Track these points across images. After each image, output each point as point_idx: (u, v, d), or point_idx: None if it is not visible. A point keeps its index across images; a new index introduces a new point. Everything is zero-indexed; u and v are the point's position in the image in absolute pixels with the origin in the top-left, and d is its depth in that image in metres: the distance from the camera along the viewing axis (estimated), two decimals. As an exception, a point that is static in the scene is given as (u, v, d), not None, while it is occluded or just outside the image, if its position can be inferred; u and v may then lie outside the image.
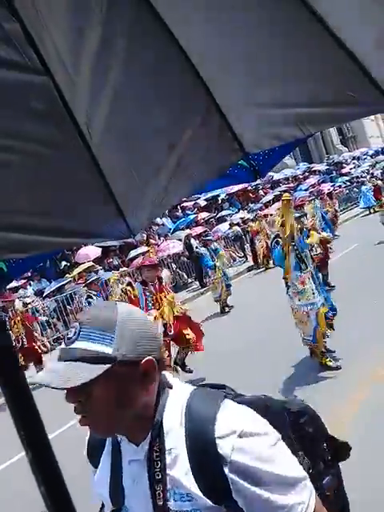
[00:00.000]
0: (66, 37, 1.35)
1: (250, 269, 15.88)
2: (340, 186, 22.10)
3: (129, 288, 6.50)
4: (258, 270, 15.36)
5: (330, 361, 5.30)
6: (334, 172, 29.96)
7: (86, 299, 8.88)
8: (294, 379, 5.35)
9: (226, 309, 10.43)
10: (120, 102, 1.47)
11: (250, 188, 25.15)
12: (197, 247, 12.39)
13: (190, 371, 6.39)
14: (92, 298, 8.35)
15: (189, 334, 6.17)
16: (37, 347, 9.01)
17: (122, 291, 6.64)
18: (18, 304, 10.07)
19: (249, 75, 1.42)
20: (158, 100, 1.49)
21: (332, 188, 20.92)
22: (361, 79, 1.26)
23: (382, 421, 3.93)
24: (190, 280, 15.95)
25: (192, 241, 15.24)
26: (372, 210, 20.07)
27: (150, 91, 1.48)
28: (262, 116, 1.47)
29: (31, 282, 15.40)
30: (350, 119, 1.47)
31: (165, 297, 6.19)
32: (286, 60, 1.39)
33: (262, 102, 1.44)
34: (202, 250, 11.25)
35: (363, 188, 21.11)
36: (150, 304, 6.15)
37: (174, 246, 16.10)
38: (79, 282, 12.46)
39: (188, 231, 17.09)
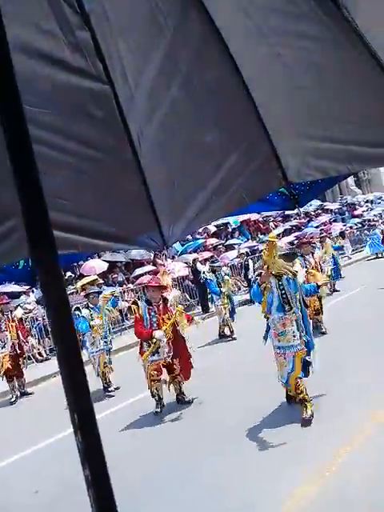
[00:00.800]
0: (132, 52, 1.42)
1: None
2: (351, 227, 22.19)
3: (134, 306, 6.49)
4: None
5: (307, 407, 5.08)
6: (347, 213, 30.09)
7: (74, 310, 8.87)
8: (292, 417, 5.29)
9: (229, 336, 10.33)
10: (173, 119, 1.53)
11: (260, 219, 25.28)
12: (204, 272, 12.32)
13: (190, 402, 6.34)
14: (80, 311, 8.33)
15: (175, 365, 6.20)
16: (21, 362, 8.90)
17: (129, 309, 6.76)
18: (19, 311, 10.03)
19: (302, 108, 1.48)
20: (210, 121, 1.54)
21: (344, 227, 20.94)
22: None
23: None
24: (192, 302, 15.91)
25: (199, 265, 15.24)
26: (379, 255, 20.11)
27: (205, 112, 1.53)
28: (311, 149, 1.51)
29: (34, 290, 15.37)
30: (396, 161, 1.51)
31: (169, 318, 6.19)
32: (340, 97, 1.44)
33: (312, 135, 1.48)
34: (209, 276, 11.19)
35: (372, 232, 21.21)
36: (155, 324, 6.15)
37: (180, 269, 16.12)
38: (82, 294, 12.46)
39: (195, 255, 17.13)
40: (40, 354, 12.69)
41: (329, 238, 12.65)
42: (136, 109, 1.51)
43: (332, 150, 1.45)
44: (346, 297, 12.39)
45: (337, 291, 13.31)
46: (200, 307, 14.76)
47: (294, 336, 5.17)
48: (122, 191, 1.65)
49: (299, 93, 1.42)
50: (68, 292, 14.52)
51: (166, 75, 1.43)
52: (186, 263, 16.77)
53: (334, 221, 25.85)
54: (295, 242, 20.80)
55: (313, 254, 9.34)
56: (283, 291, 5.17)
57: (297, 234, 22.41)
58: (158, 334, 6.03)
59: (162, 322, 6.14)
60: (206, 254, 18.50)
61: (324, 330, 8.74)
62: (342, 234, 18.96)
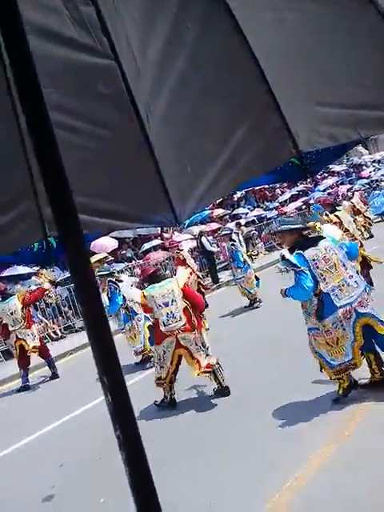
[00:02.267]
0: (137, 25, 1.39)
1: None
2: (358, 189, 21.94)
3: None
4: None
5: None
6: (354, 174, 29.71)
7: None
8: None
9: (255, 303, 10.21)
10: (182, 93, 1.50)
11: (266, 186, 25.07)
12: (212, 245, 12.10)
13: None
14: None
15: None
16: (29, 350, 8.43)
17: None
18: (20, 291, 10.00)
19: (311, 73, 1.45)
20: (219, 94, 1.52)
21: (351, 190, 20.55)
22: None
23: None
24: (201, 275, 15.95)
25: (203, 239, 15.15)
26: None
27: (213, 85, 1.51)
28: (320, 115, 1.49)
29: (45, 270, 15.50)
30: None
31: None
32: (348, 60, 1.41)
33: (321, 101, 1.46)
34: (215, 248, 10.96)
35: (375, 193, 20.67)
36: None
37: (187, 242, 16.12)
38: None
39: (202, 227, 17.08)
40: (55, 332, 12.89)
41: (345, 200, 12.43)
42: (143, 84, 1.49)
43: (341, 116, 1.43)
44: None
45: None
46: (210, 278, 14.79)
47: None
48: (133, 170, 1.64)
49: (306, 58, 1.39)
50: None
51: (171, 48, 1.40)
52: (193, 235, 16.76)
53: (341, 183, 25.55)
54: (303, 207, 20.66)
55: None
56: None
57: (304, 198, 22.24)
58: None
59: None
60: (214, 226, 18.47)
61: None
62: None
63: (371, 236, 14.15)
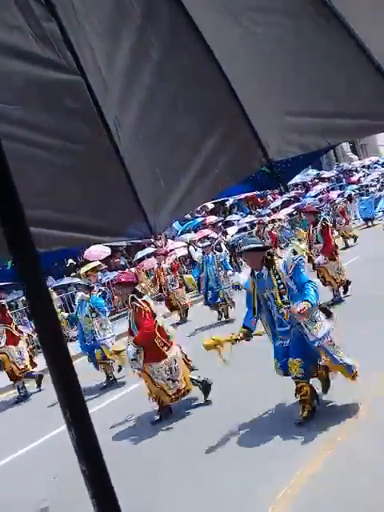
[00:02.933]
0: (101, 39, 1.39)
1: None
2: (349, 195, 22.05)
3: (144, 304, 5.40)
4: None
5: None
6: (344, 180, 29.90)
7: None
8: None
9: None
10: (150, 105, 1.51)
11: (258, 193, 25.16)
12: (200, 251, 11.90)
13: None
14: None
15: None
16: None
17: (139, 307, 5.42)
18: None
19: (277, 83, 1.45)
20: (187, 106, 1.52)
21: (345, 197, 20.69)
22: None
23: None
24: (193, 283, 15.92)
25: (191, 248, 15.08)
26: (370, 224, 19.73)
27: (181, 97, 1.51)
28: (288, 124, 1.49)
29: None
30: (375, 132, 1.49)
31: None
32: (313, 70, 1.42)
33: (288, 111, 1.47)
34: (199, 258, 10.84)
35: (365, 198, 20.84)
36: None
37: (180, 250, 16.14)
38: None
39: (192, 235, 17.14)
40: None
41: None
42: (111, 98, 1.49)
43: (310, 125, 1.44)
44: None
45: None
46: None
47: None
48: (104, 183, 1.64)
49: (274, 69, 1.40)
50: (71, 279, 14.57)
51: (138, 61, 1.40)
52: (186, 243, 16.80)
53: (332, 189, 25.69)
54: (294, 213, 20.74)
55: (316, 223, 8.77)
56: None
57: (296, 204, 22.34)
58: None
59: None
60: (206, 232, 18.50)
61: None
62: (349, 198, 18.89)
63: (347, 246, 14.56)
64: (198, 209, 22.05)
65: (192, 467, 4.28)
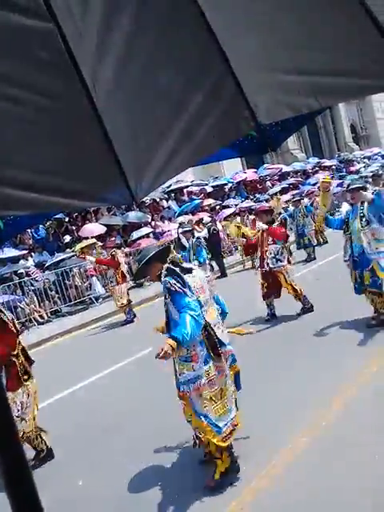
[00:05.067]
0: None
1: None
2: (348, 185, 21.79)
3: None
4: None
5: None
6: (344, 169, 29.71)
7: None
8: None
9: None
10: (129, 59, 1.39)
11: (257, 178, 24.99)
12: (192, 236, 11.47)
13: None
14: None
15: None
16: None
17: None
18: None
19: (267, 38, 1.34)
20: (169, 60, 1.41)
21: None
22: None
23: None
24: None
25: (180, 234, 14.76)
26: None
27: (162, 50, 1.40)
28: (278, 83, 1.39)
29: (32, 254, 15.40)
30: (372, 92, 1.39)
31: None
32: (306, 23, 1.31)
33: (278, 68, 1.36)
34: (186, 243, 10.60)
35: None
36: None
37: (176, 231, 16.07)
38: (81, 256, 12.49)
39: (189, 217, 17.01)
40: (41, 316, 12.85)
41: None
42: (86, 49, 1.37)
43: (300, 83, 1.33)
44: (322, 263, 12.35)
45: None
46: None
47: None
48: (81, 143, 1.53)
49: (261, 20, 1.29)
50: (67, 255, 14.51)
51: (115, 9, 1.29)
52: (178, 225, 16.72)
53: (332, 178, 25.50)
54: (292, 200, 20.58)
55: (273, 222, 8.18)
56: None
57: (294, 192, 22.16)
58: None
59: None
60: (203, 215, 18.41)
61: None
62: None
63: (325, 242, 14.28)
64: (197, 191, 21.91)
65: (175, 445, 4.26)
